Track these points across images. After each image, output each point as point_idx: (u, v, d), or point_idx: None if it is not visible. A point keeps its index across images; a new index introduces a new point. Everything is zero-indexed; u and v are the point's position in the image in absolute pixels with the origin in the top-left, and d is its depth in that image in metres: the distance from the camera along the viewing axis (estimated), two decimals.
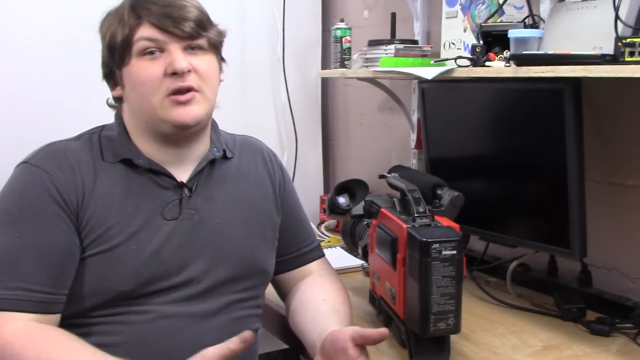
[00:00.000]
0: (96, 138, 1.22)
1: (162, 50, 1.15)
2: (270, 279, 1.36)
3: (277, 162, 1.41)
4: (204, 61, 1.19)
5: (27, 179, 1.14)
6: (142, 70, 1.15)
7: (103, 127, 1.26)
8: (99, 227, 1.14)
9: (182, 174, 1.23)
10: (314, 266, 1.40)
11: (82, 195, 1.14)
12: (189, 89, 1.16)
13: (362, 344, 1.08)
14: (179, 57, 1.14)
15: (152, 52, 1.15)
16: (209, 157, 1.26)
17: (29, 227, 1.11)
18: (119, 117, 1.25)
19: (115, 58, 1.18)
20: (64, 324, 1.14)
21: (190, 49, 1.17)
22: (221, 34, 1.24)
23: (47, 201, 1.12)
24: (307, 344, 1.23)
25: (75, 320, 1.14)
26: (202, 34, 1.18)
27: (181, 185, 1.22)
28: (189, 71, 1.15)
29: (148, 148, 1.21)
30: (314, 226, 2.29)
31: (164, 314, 1.16)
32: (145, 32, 1.15)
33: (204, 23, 1.18)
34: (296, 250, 1.39)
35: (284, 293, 1.41)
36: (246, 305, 1.26)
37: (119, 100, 1.25)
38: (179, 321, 1.17)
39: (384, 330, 1.06)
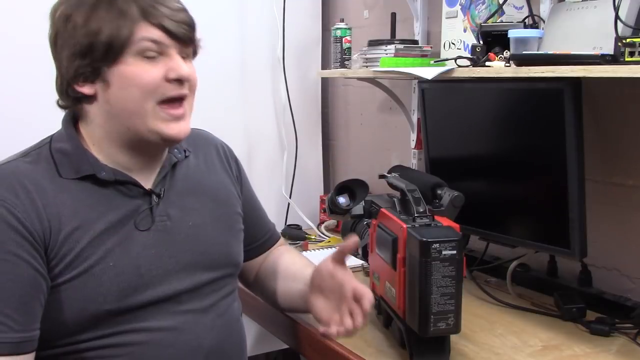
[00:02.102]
0: (46, 153, 1.13)
1: (161, 53, 1.10)
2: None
3: (232, 155, 1.38)
4: (193, 69, 1.15)
5: None
6: (143, 72, 1.08)
7: (51, 138, 1.16)
8: (71, 251, 1.07)
9: (147, 180, 1.18)
10: (273, 248, 1.45)
11: (48, 221, 1.06)
12: (181, 98, 1.12)
13: (342, 260, 1.22)
14: (181, 62, 1.10)
15: (152, 55, 1.09)
16: (172, 160, 1.21)
17: None
18: (69, 124, 1.15)
19: (104, 53, 1.07)
20: (55, 356, 1.09)
21: (185, 55, 1.13)
22: (199, 40, 1.19)
23: (6, 231, 1.02)
24: (294, 295, 1.34)
25: (68, 348, 1.09)
26: (195, 39, 1.15)
27: (149, 192, 1.17)
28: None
29: (113, 154, 1.14)
30: (313, 226, 2.30)
31: (159, 326, 1.13)
32: (150, 33, 1.08)
33: (195, 27, 1.15)
34: (258, 239, 1.41)
35: (248, 279, 1.43)
36: (229, 300, 1.26)
37: (81, 101, 1.12)
38: (174, 330, 1.14)
39: (354, 238, 1.22)
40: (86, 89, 1.10)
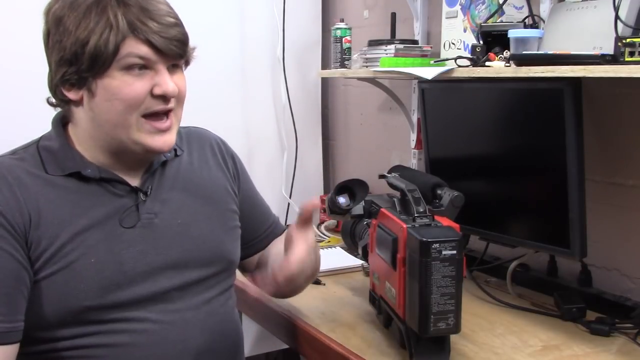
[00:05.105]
0: (33, 151, 1.15)
1: (148, 67, 1.09)
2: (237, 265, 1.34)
3: (228, 151, 1.37)
4: (182, 80, 1.15)
5: None
6: (128, 87, 1.08)
7: (40, 138, 1.17)
8: (51, 245, 1.08)
9: (133, 178, 1.18)
10: (276, 241, 1.42)
11: (28, 215, 1.07)
12: (167, 112, 1.12)
13: (305, 220, 1.25)
14: (167, 79, 1.10)
15: (138, 69, 1.08)
16: (160, 159, 1.21)
17: None
18: (57, 123, 1.17)
19: (91, 64, 1.07)
20: (37, 354, 1.09)
21: (172, 67, 1.13)
22: (193, 49, 1.18)
23: None
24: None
25: (48, 346, 1.10)
26: (185, 53, 1.14)
27: (135, 190, 1.17)
28: None
29: (98, 155, 1.15)
30: (314, 226, 2.30)
31: (144, 327, 1.12)
32: (138, 50, 1.07)
33: (187, 42, 1.14)
34: (260, 234, 1.41)
35: (250, 268, 1.42)
36: (222, 298, 1.25)
37: (69, 103, 1.13)
38: (161, 329, 1.14)
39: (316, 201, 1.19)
40: (72, 95, 1.11)
